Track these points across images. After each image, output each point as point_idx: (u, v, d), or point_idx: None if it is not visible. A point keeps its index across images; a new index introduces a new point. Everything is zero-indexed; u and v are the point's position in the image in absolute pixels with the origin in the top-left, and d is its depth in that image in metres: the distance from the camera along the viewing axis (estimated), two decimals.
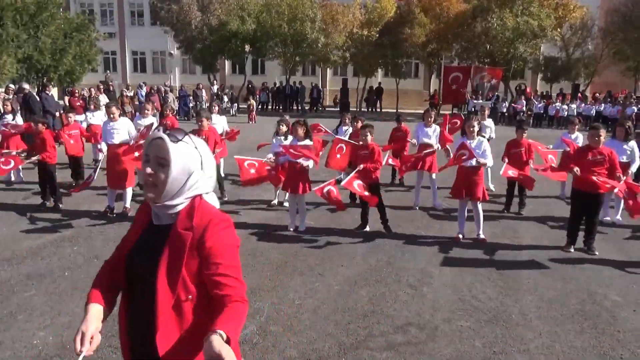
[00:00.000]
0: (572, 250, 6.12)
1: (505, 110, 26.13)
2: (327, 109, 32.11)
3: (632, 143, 7.32)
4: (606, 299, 4.79)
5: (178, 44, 29.36)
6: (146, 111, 9.12)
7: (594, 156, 5.92)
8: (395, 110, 31.11)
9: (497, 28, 25.24)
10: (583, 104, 24.78)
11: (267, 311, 4.42)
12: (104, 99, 16.98)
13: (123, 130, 7.07)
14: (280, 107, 30.28)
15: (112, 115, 7.07)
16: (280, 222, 7.15)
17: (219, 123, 9.92)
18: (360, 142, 6.68)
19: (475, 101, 25.22)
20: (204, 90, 25.70)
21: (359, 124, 8.12)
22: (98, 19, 36.49)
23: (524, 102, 25.97)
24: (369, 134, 6.64)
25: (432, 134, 8.12)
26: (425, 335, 4.06)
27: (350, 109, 30.81)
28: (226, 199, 8.46)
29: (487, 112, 9.92)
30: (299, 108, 29.78)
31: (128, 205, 7.34)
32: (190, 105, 24.51)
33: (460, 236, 6.50)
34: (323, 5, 28.04)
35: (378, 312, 4.43)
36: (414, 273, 5.35)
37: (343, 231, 6.81)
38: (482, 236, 6.46)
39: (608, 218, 7.49)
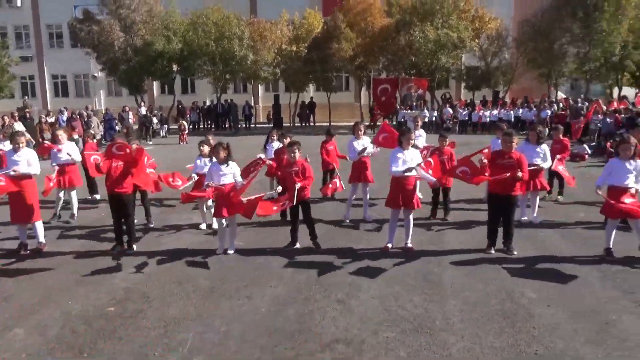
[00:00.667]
0: (493, 251, 6.38)
1: (433, 119, 27.13)
2: (259, 125, 31.96)
3: (544, 146, 7.79)
4: (523, 296, 5.00)
5: (101, 65, 28.30)
6: (59, 137, 8.60)
7: (505, 160, 6.21)
8: (328, 124, 31.61)
9: (419, 41, 26.27)
10: (502, 110, 26.17)
11: (191, 342, 4.25)
12: (19, 126, 16.03)
13: (23, 161, 6.60)
14: (213, 126, 29.85)
15: (17, 145, 6.63)
16: (209, 245, 6.96)
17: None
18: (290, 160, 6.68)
19: (404, 111, 26.02)
20: (130, 113, 24.85)
21: (287, 140, 8.11)
22: (12, 42, 34.75)
23: (450, 111, 27.10)
24: (297, 151, 6.64)
25: (357, 146, 8.22)
26: (352, 350, 4.05)
27: (284, 125, 31.00)
28: (152, 225, 8.17)
29: (420, 123, 10.18)
30: (232, 126, 29.47)
31: (42, 239, 6.88)
32: (117, 128, 23.59)
33: (390, 246, 6.61)
34: (250, 22, 28.09)
35: (305, 331, 4.38)
36: (342, 287, 5.36)
37: (273, 250, 6.73)
38: (409, 244, 6.60)
39: (525, 218, 7.89)
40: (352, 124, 8.55)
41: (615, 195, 5.91)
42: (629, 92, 30.50)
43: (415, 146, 7.23)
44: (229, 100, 29.87)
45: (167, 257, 6.51)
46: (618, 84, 29.57)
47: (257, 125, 30.53)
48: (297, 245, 6.82)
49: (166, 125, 26.35)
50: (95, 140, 12.21)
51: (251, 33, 27.40)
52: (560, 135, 9.41)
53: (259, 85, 35.32)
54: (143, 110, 25.31)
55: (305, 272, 5.87)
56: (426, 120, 26.78)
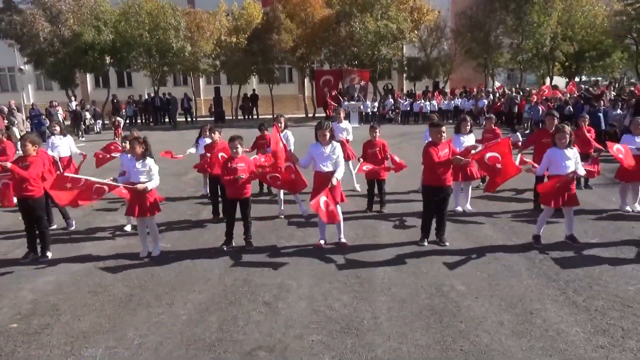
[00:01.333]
0: (426, 244, 6.33)
1: (375, 110, 27.34)
2: (200, 119, 31.08)
3: (472, 136, 7.85)
4: (453, 289, 4.95)
5: (26, 58, 26.49)
6: None
7: (441, 150, 6.14)
8: (272, 116, 31.19)
9: (360, 32, 26.28)
10: (442, 100, 26.70)
11: (99, 358, 3.89)
12: None
13: None
14: (151, 121, 28.74)
15: None
16: (132, 249, 6.53)
17: (63, 145, 8.96)
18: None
19: (346, 103, 26.02)
20: (60, 108, 23.47)
21: (216, 135, 7.74)
22: None
23: (392, 101, 27.37)
24: (239, 146, 6.31)
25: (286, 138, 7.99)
26: (274, 357, 3.83)
27: (226, 118, 30.32)
28: (73, 228, 7.62)
29: (342, 115, 10.02)
30: (171, 120, 28.46)
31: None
32: (46, 125, 22.15)
33: (322, 242, 6.43)
34: (187, 13, 27.12)
35: (227, 339, 4.11)
36: (271, 289, 5.12)
37: (201, 251, 6.40)
38: (343, 240, 6.44)
39: (459, 207, 7.94)
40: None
41: (556, 183, 5.96)
42: (559, 81, 31.98)
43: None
44: (168, 94, 28.80)
45: (84, 263, 6.04)
46: (549, 73, 30.86)
47: (197, 119, 29.61)
48: (233, 244, 6.52)
49: (100, 121, 25.08)
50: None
51: (188, 24, 26.46)
52: (492, 125, 9.55)
53: (200, 77, 34.33)
54: (73, 105, 23.93)
55: (234, 273, 5.59)
56: (369, 111, 27.12)
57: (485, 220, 7.41)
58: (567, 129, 6.07)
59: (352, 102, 25.83)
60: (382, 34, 26.60)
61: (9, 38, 25.83)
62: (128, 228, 7.44)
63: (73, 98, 25.11)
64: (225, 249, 6.43)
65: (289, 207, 8.13)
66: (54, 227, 7.70)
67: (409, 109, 26.52)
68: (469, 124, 7.78)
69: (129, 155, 7.06)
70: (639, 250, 5.89)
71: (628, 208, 7.70)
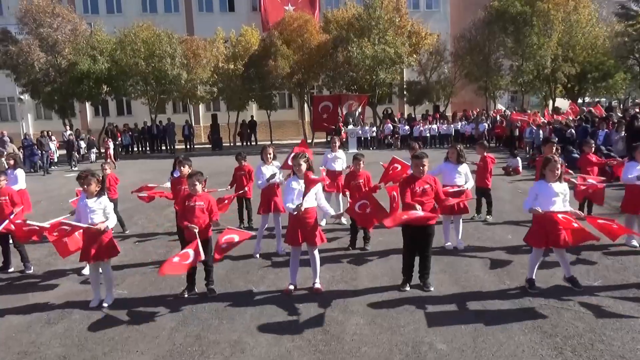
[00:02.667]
0: (408, 288, 5.68)
1: (374, 134, 26.87)
2: (199, 146, 30.80)
3: (464, 166, 7.25)
4: (431, 349, 4.28)
5: (21, 88, 26.39)
6: None
7: (420, 186, 5.54)
8: (270, 142, 30.81)
9: (357, 57, 25.99)
10: (442, 124, 26.16)
11: None
12: None
13: None
14: (147, 149, 28.41)
15: None
16: (87, 296, 5.91)
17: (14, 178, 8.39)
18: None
19: (349, 128, 25.59)
20: (54, 137, 23.18)
21: (185, 169, 7.16)
22: None
23: (391, 127, 26.88)
24: (197, 183, 5.71)
25: (266, 172, 7.41)
26: None
27: (224, 144, 29.97)
28: (30, 271, 7.04)
29: (337, 144, 9.47)
30: (169, 148, 28.10)
31: None
32: (38, 155, 21.77)
33: (292, 288, 5.79)
34: (183, 40, 27.00)
35: None
36: (223, 348, 4.48)
37: (159, 299, 5.77)
38: (317, 285, 5.80)
39: (449, 243, 7.29)
40: (261, 149, 7.75)
41: (543, 222, 5.31)
42: (562, 103, 31.44)
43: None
44: (166, 121, 28.47)
45: (26, 315, 5.43)
46: (552, 95, 30.35)
47: (195, 147, 29.24)
48: (196, 290, 5.90)
49: (94, 150, 24.75)
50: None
51: (184, 51, 26.31)
52: (485, 152, 8.96)
53: (200, 104, 34.13)
54: (67, 135, 23.61)
55: (187, 327, 4.95)
56: (367, 136, 26.64)
57: (476, 259, 6.74)
58: (559, 160, 5.44)
59: (351, 127, 25.36)
60: (380, 58, 26.28)
61: (6, 68, 25.77)
62: (86, 271, 6.83)
63: (68, 127, 24.81)
64: (186, 295, 5.80)
65: (268, 244, 7.52)
66: (11, 270, 7.14)
67: (407, 133, 25.97)
68: (456, 152, 7.18)
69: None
70: None
71: (635, 242, 7.02)
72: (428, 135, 25.64)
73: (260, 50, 27.39)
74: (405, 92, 31.56)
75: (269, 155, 7.57)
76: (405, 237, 5.73)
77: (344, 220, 8.85)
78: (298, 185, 5.60)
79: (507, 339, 4.41)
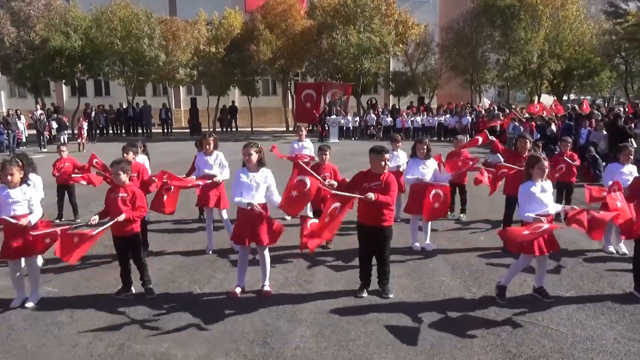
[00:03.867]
0: (365, 294, 5.19)
1: (357, 124, 26.34)
2: (177, 130, 29.97)
3: (431, 161, 6.77)
4: None
5: None
6: None
7: (370, 182, 5.02)
8: (250, 129, 30.10)
9: (342, 44, 25.34)
10: (426, 116, 25.71)
11: None
12: None
13: None
14: (124, 132, 27.54)
15: None
16: (10, 294, 5.31)
17: None
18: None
19: (331, 117, 24.97)
20: (22, 117, 22.24)
21: (130, 156, 6.56)
22: None
23: (374, 117, 26.35)
24: (121, 172, 5.11)
25: (213, 162, 6.80)
26: None
27: (203, 130, 29.17)
28: None
29: (304, 133, 8.91)
30: (145, 131, 27.26)
31: None
32: (4, 134, 20.85)
33: (238, 290, 5.27)
34: (162, 21, 26.06)
35: None
36: None
37: (90, 299, 5.20)
38: (266, 288, 5.29)
39: (417, 244, 6.81)
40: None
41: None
42: (548, 99, 31.17)
43: None
44: (142, 103, 27.57)
45: None
46: (537, 91, 30.04)
47: (173, 131, 28.41)
48: (133, 290, 5.35)
49: (66, 131, 23.76)
50: None
51: (163, 32, 25.40)
52: (461, 147, 8.50)
53: (181, 88, 33.22)
54: (37, 114, 22.66)
55: (112, 335, 4.40)
56: (350, 126, 26.08)
57: (444, 262, 6.27)
58: (545, 160, 4.93)
59: (332, 117, 24.75)
60: (364, 47, 25.66)
61: None
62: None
63: (39, 106, 23.84)
64: (120, 296, 5.25)
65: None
66: None
67: (391, 124, 25.48)
68: (425, 147, 6.67)
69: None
70: (621, 310, 4.77)
71: (612, 249, 6.62)
72: (411, 127, 25.18)
73: (242, 34, 26.58)
74: (390, 83, 30.99)
75: (208, 146, 6.90)
76: (359, 240, 5.23)
77: (310, 213, 8.43)
78: (247, 178, 5.05)
79: (465, 358, 3.95)
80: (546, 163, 4.88)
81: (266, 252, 5.25)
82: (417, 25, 28.95)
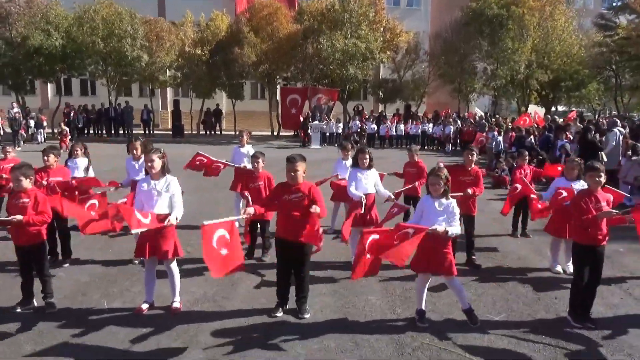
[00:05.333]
0: (280, 314, 4.85)
1: (340, 131, 26.05)
2: (159, 132, 29.61)
3: (374, 172, 6.42)
4: None
5: None
6: None
7: (290, 194, 4.70)
8: (234, 133, 29.70)
9: (327, 50, 25.09)
10: (410, 124, 25.40)
11: None
12: None
13: None
14: (104, 132, 27.16)
15: None
16: None
17: None
18: None
19: (313, 123, 24.67)
20: None
21: (51, 159, 6.22)
22: None
23: (358, 123, 26.06)
24: (22, 178, 4.75)
25: (136, 166, 6.47)
26: None
27: (186, 132, 28.86)
28: None
29: (245, 138, 8.49)
30: (126, 132, 26.87)
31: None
32: None
33: (145, 306, 4.92)
34: (146, 21, 25.75)
35: None
36: None
37: None
38: (175, 304, 4.94)
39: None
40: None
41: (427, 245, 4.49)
42: (538, 110, 30.91)
43: None
44: (125, 102, 27.17)
45: None
46: (525, 101, 29.82)
47: (155, 132, 28.05)
48: (34, 303, 5.00)
49: (42, 130, 23.42)
50: None
51: (147, 33, 25.10)
52: (416, 157, 8.17)
53: (165, 89, 32.90)
54: (13, 112, 22.26)
55: None
56: (334, 132, 25.80)
57: (377, 279, 5.88)
58: (444, 172, 4.62)
59: (315, 123, 24.44)
60: (350, 53, 25.40)
61: None
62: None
63: (15, 104, 23.43)
64: (18, 310, 4.90)
65: None
66: None
67: (374, 132, 25.19)
68: (367, 156, 6.33)
69: None
70: (543, 340, 4.43)
71: (559, 268, 6.30)
72: (394, 134, 24.91)
73: (227, 37, 26.30)
74: (378, 90, 30.73)
75: (135, 151, 6.56)
76: (277, 254, 4.90)
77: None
78: (147, 186, 4.71)
79: None
80: (441, 178, 4.50)
81: (173, 266, 4.91)
82: (404, 32, 28.73)
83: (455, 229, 4.43)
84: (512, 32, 25.69)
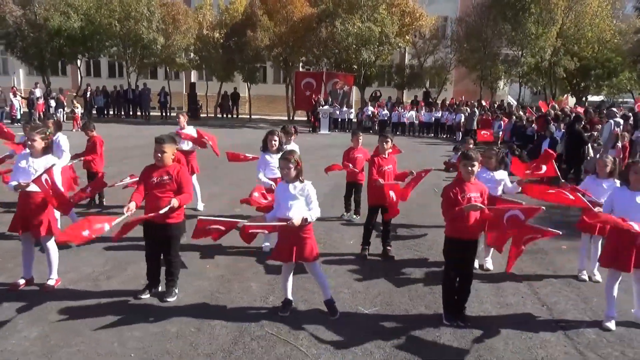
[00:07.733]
0: (147, 295, 4.79)
1: (352, 117, 25.73)
2: (172, 114, 30.04)
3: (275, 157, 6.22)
4: None
5: None
6: None
7: (157, 176, 4.62)
8: (248, 117, 29.84)
9: (340, 34, 24.68)
10: (423, 111, 24.73)
11: None
12: None
13: None
14: (122, 113, 27.90)
15: None
16: None
17: None
18: None
19: (322, 108, 24.41)
20: (18, 94, 22.82)
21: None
22: None
23: (370, 109, 25.62)
24: None
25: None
26: None
27: (202, 115, 29.26)
28: None
29: (183, 120, 8.32)
30: (144, 114, 27.48)
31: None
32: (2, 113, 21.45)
33: (21, 282, 4.98)
34: (163, 4, 26.08)
35: None
36: None
37: None
38: (50, 282, 4.96)
39: (267, 244, 6.31)
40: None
41: None
42: (570, 100, 29.38)
43: None
44: (143, 84, 27.73)
45: None
46: (551, 89, 28.42)
47: (170, 114, 28.51)
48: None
49: (62, 110, 24.27)
50: None
51: (163, 15, 25.45)
52: (359, 140, 7.78)
53: (191, 72, 33.37)
54: (37, 92, 23.19)
55: None
56: (345, 118, 25.49)
57: (270, 269, 5.73)
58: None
59: (324, 108, 24.17)
60: (364, 37, 24.89)
61: None
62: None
63: (38, 85, 24.39)
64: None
65: None
66: None
67: (386, 118, 24.69)
68: (275, 137, 6.13)
69: None
70: (393, 348, 4.19)
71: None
72: (405, 122, 24.36)
73: (242, 20, 26.33)
74: (394, 76, 30.06)
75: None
76: (144, 236, 4.82)
77: (200, 207, 8.16)
78: (25, 163, 4.76)
79: None
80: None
81: (50, 244, 4.94)
82: (424, 16, 27.84)
83: None
84: (535, 16, 24.40)
